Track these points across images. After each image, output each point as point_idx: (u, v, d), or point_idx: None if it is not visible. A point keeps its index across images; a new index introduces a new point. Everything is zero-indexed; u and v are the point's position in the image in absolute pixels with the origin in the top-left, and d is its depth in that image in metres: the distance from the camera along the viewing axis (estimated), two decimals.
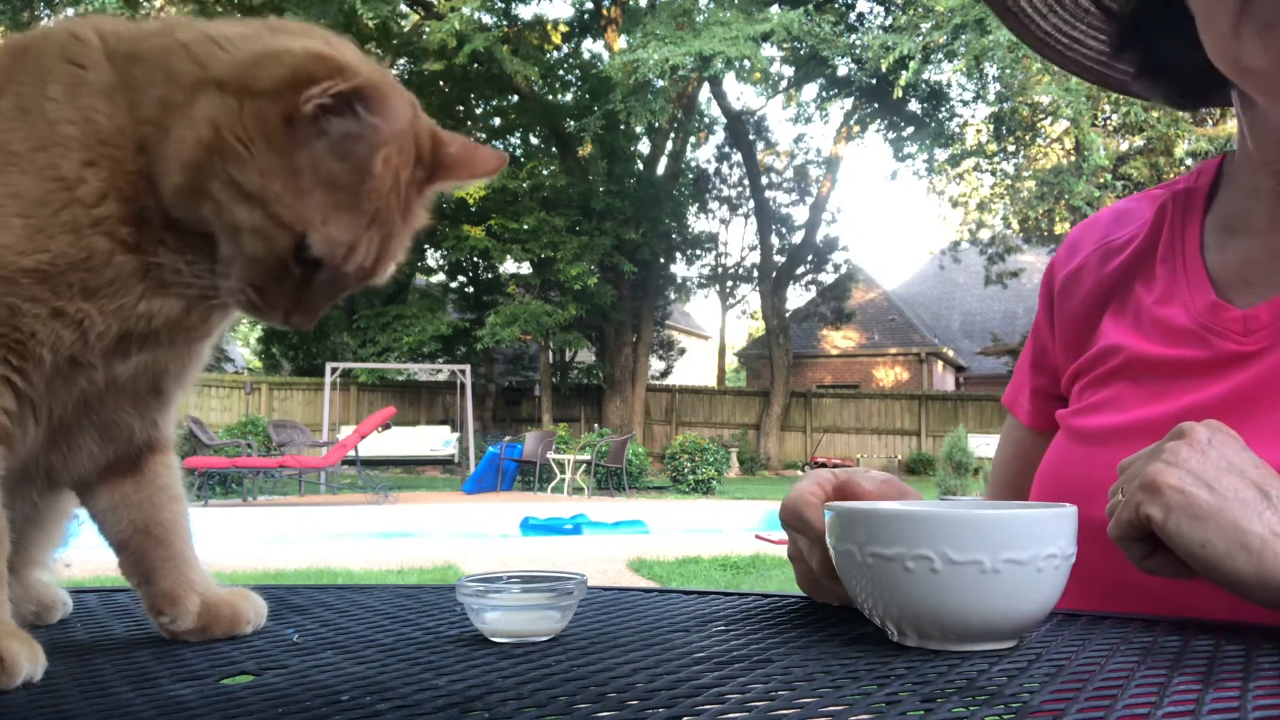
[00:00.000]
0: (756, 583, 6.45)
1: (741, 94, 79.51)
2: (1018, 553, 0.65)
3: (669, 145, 23.86)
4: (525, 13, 29.00)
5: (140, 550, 0.75)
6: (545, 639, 0.72)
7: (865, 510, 0.70)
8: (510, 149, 24.34)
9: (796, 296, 29.11)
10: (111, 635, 0.79)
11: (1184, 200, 1.01)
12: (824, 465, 24.30)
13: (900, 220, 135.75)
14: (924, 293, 35.70)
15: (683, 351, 32.45)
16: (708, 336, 37.83)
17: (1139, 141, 21.43)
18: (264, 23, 0.69)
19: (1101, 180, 19.06)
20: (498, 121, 24.30)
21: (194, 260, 0.67)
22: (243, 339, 32.13)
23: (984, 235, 24.95)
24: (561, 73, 23.33)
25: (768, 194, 26.41)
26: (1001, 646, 0.68)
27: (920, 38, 17.99)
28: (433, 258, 24.59)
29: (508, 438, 18.36)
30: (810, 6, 18.69)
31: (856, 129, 24.91)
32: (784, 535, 0.93)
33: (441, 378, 23.45)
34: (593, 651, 0.68)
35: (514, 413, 25.16)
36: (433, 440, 20.56)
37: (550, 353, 24.09)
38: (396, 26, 20.76)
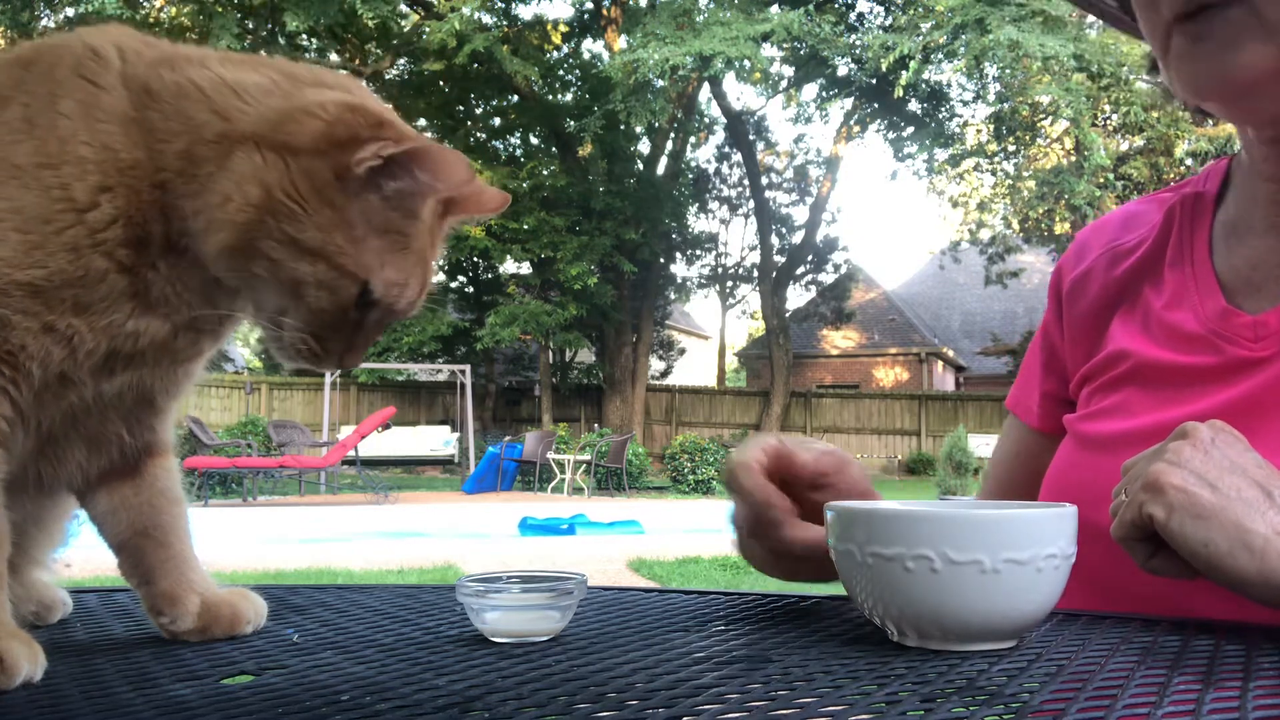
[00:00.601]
0: (756, 583, 6.45)
1: (741, 94, 79.59)
2: (1018, 553, 0.65)
3: (669, 145, 23.85)
4: (525, 13, 29.02)
5: (139, 551, 0.75)
6: (545, 639, 0.72)
7: (865, 510, 0.70)
8: (510, 149, 24.36)
9: (796, 296, 29.13)
10: (111, 635, 0.79)
11: (1192, 204, 1.01)
12: None
13: (900, 220, 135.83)
14: (924, 293, 35.69)
15: (683, 351, 32.44)
16: (708, 336, 37.82)
17: (1139, 141, 21.44)
18: (272, 66, 0.69)
19: (1102, 180, 19.06)
20: (498, 121, 24.30)
21: (183, 288, 0.68)
22: (242, 339, 32.12)
23: (984, 235, 24.96)
24: (561, 73, 23.32)
25: (768, 194, 26.40)
26: (1001, 646, 0.68)
27: (920, 38, 17.99)
28: None
29: (508, 438, 18.36)
30: (810, 6, 18.68)
31: (856, 129, 24.89)
32: None
33: (441, 378, 23.45)
34: (593, 651, 0.68)
35: (514, 413, 25.16)
36: (433, 440, 20.56)
37: (550, 353, 24.08)
38: (396, 26, 20.76)
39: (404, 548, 7.98)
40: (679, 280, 28.95)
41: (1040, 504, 0.77)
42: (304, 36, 20.07)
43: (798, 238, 26.56)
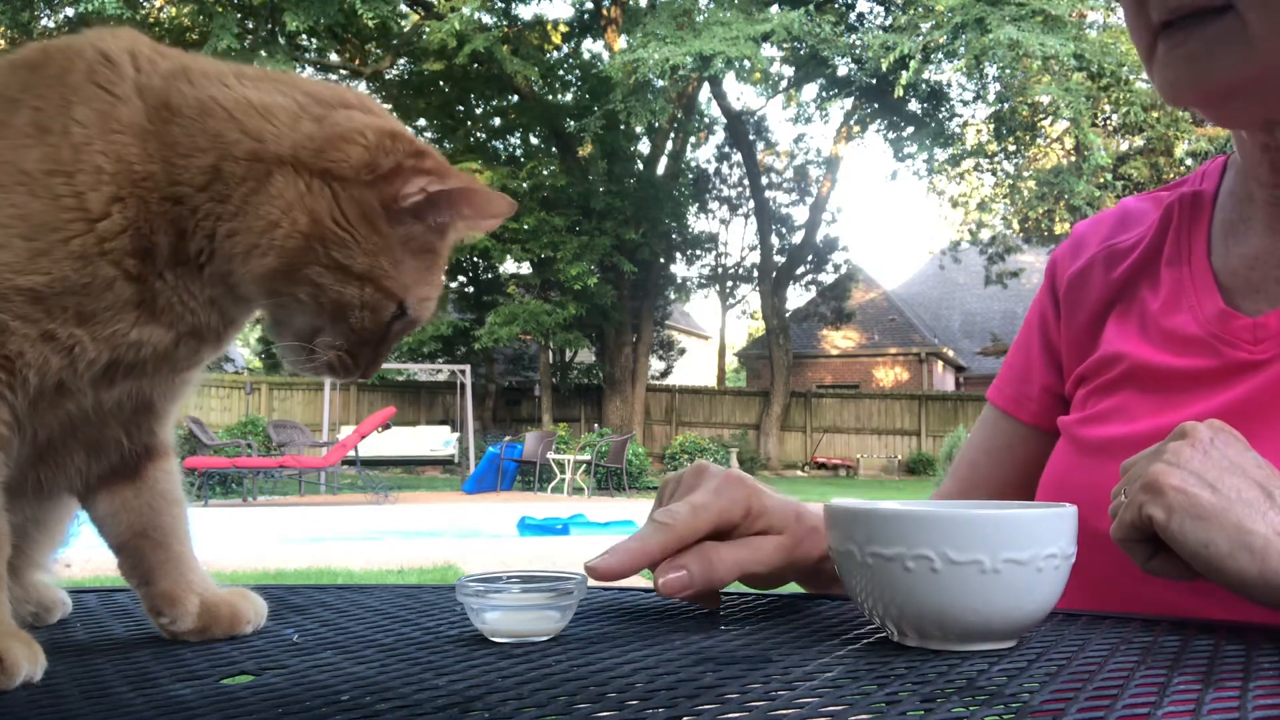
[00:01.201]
0: None
1: (741, 94, 79.60)
2: (1018, 553, 0.65)
3: (669, 145, 23.85)
4: (525, 13, 29.04)
5: (139, 552, 0.75)
6: (545, 639, 0.72)
7: (865, 510, 0.70)
8: (510, 149, 24.37)
9: (796, 296, 29.15)
10: (111, 635, 0.79)
11: (1190, 203, 1.01)
12: (824, 465, 24.34)
13: (900, 220, 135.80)
14: (924, 293, 35.69)
15: (683, 351, 32.44)
16: (708, 336, 37.83)
17: (1139, 141, 21.45)
18: (290, 84, 0.70)
19: (1101, 180, 19.06)
20: (498, 121, 24.30)
21: (189, 298, 0.68)
22: (242, 339, 32.12)
23: (984, 235, 24.96)
24: (561, 73, 23.33)
25: (768, 194, 26.41)
26: (1001, 646, 0.68)
27: (920, 37, 17.99)
28: None
29: (508, 438, 18.36)
30: (810, 6, 18.68)
31: (856, 129, 24.90)
32: None
33: (441, 378, 23.45)
34: (593, 651, 0.68)
35: (514, 413, 25.17)
36: (433, 440, 20.57)
37: (550, 353, 24.09)
38: (396, 26, 20.76)
39: (404, 548, 7.98)
40: (679, 280, 28.97)
41: (1040, 504, 0.76)
42: (304, 36, 20.08)
43: (798, 238, 26.58)
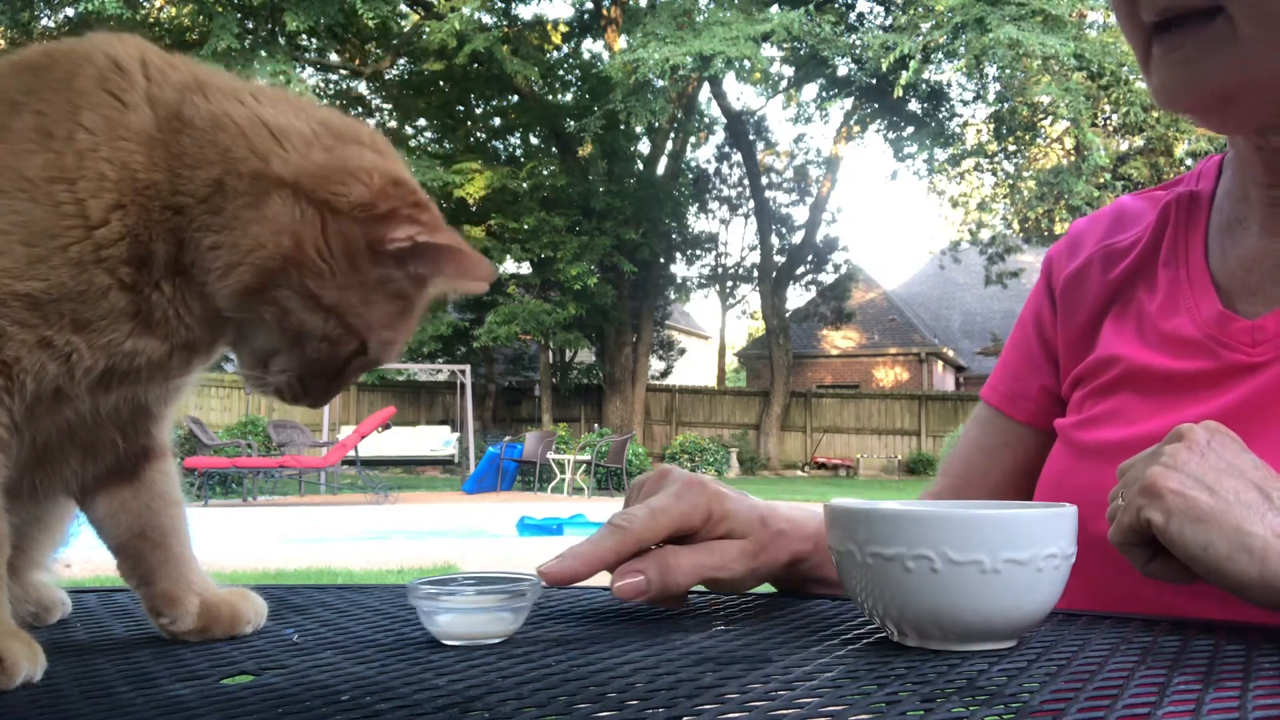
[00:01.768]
0: None
1: (741, 94, 79.61)
2: (1018, 553, 0.65)
3: (669, 145, 23.85)
4: (525, 13, 29.05)
5: (138, 553, 0.75)
6: (498, 640, 0.72)
7: (865, 510, 0.70)
8: (510, 149, 24.37)
9: (796, 296, 29.16)
10: (111, 635, 0.79)
11: (1188, 203, 1.00)
12: (824, 465, 24.35)
13: (900, 220, 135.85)
14: (924, 293, 35.69)
15: (683, 351, 32.44)
16: (708, 336, 37.83)
17: (1139, 141, 21.44)
18: (306, 111, 0.69)
19: (1101, 180, 19.07)
20: (498, 121, 24.30)
21: (185, 311, 0.68)
22: None
23: (984, 235, 24.96)
24: (561, 73, 23.33)
25: (768, 194, 26.41)
26: (1001, 646, 0.68)
27: (920, 37, 17.99)
28: None
29: (508, 438, 18.37)
30: (810, 6, 18.69)
31: (856, 129, 24.90)
32: None
33: (441, 378, 23.45)
34: (593, 651, 0.68)
35: (514, 413, 25.17)
36: (433, 440, 20.56)
37: (550, 353, 24.09)
38: (396, 26, 20.77)
39: (404, 548, 7.98)
40: (679, 280, 28.97)
41: (1040, 504, 0.76)
42: (304, 36, 20.07)
43: (798, 238, 26.58)
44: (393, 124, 23.94)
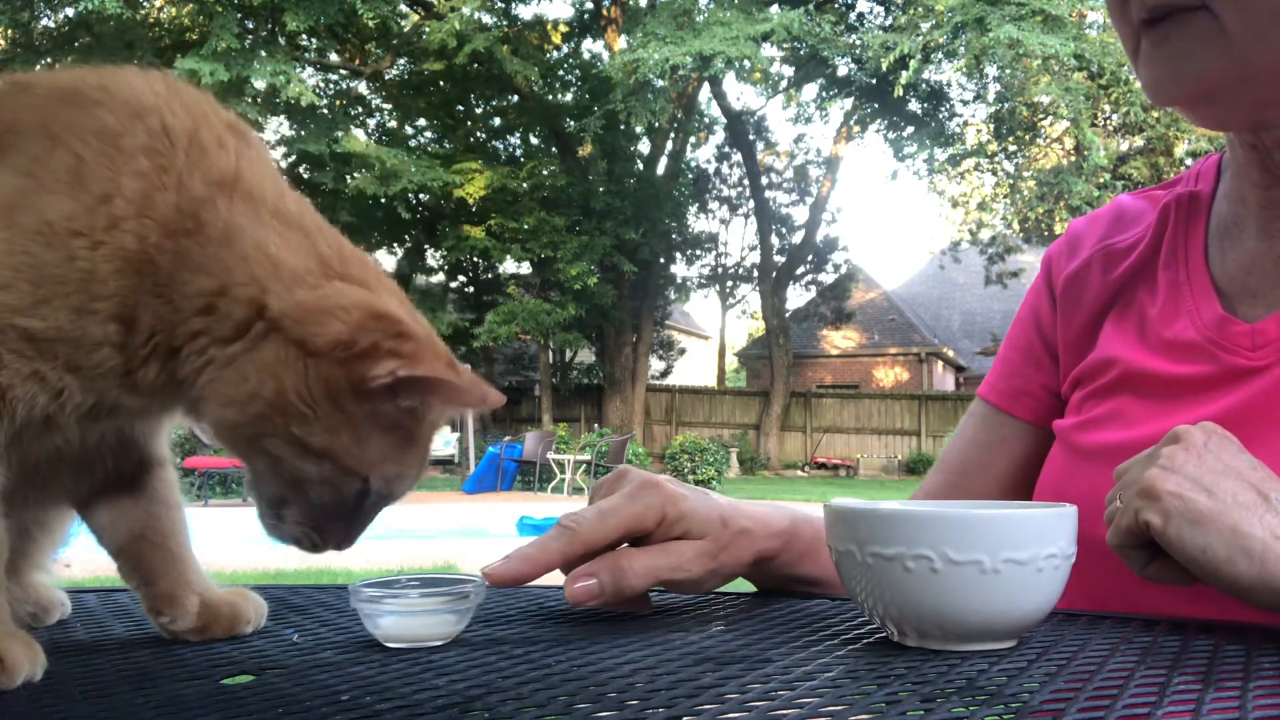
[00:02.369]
0: None
1: (741, 94, 79.61)
2: (1018, 553, 0.65)
3: (669, 145, 23.85)
4: (525, 13, 29.04)
5: (138, 555, 0.75)
6: (441, 643, 0.71)
7: (865, 510, 0.70)
8: (510, 149, 24.36)
9: (796, 296, 29.14)
10: (111, 635, 0.79)
11: (1188, 204, 1.00)
12: (824, 465, 24.34)
13: (900, 220, 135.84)
14: (924, 293, 35.69)
15: (683, 351, 32.44)
16: (708, 336, 37.82)
17: (1139, 141, 21.45)
18: (309, 243, 0.66)
19: (1101, 180, 19.07)
20: (498, 121, 24.30)
21: (170, 400, 0.68)
22: None
23: (984, 235, 24.96)
24: (561, 73, 23.33)
25: (768, 194, 26.41)
26: (1001, 646, 0.68)
27: (920, 37, 17.99)
28: (433, 258, 24.59)
29: (508, 438, 18.36)
30: (810, 6, 18.68)
31: (856, 129, 24.90)
32: None
33: None
34: (593, 651, 0.68)
35: (514, 413, 25.15)
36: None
37: (550, 353, 24.09)
38: (396, 26, 20.76)
39: (404, 548, 7.98)
40: (679, 280, 28.96)
41: (1040, 504, 0.76)
42: (304, 36, 20.07)
43: (798, 238, 26.57)
44: (393, 124, 23.96)
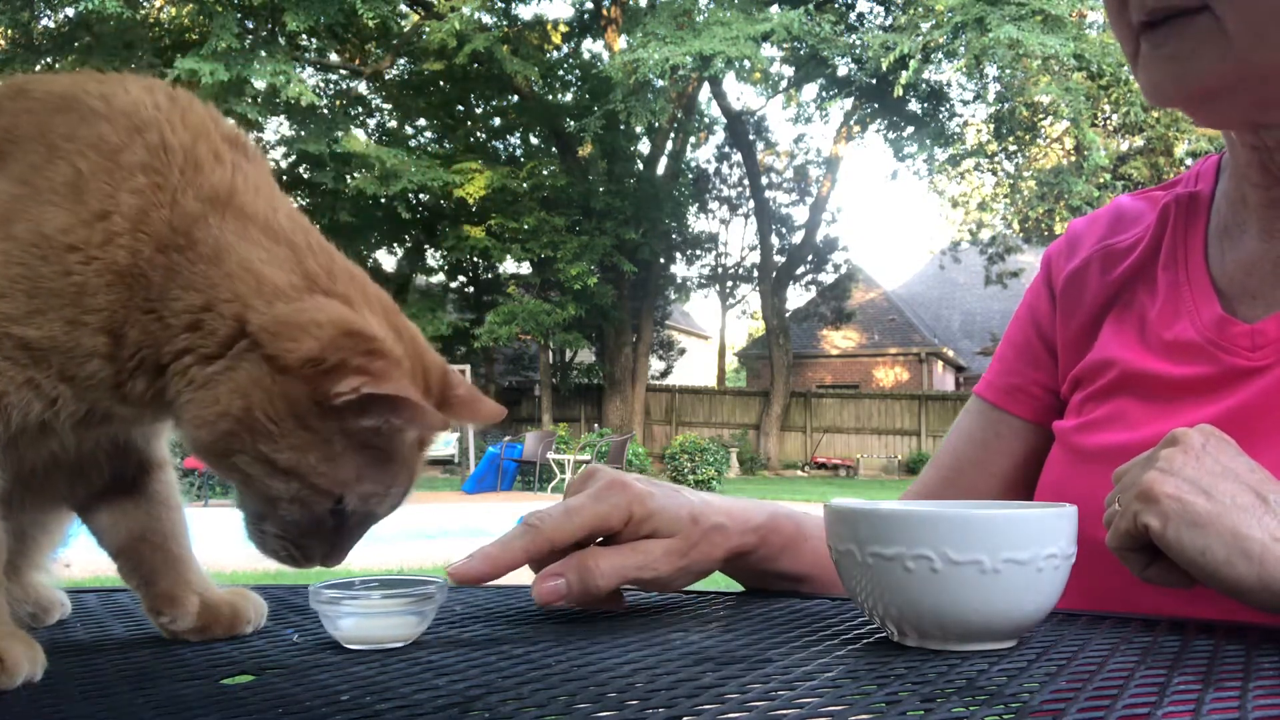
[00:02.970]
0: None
1: (741, 94, 79.59)
2: (1018, 553, 0.65)
3: (669, 145, 23.85)
4: (525, 13, 29.06)
5: (138, 555, 0.75)
6: (402, 645, 0.71)
7: (865, 510, 0.70)
8: (510, 149, 24.37)
9: (796, 296, 29.14)
10: (111, 635, 0.79)
11: (1187, 204, 1.00)
12: (824, 465, 24.35)
13: (900, 220, 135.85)
14: (924, 293, 35.69)
15: (683, 351, 32.44)
16: (708, 336, 37.82)
17: (1139, 141, 21.45)
18: (299, 259, 0.66)
19: (1101, 180, 19.07)
20: (498, 121, 24.30)
21: (159, 413, 0.67)
22: None
23: (984, 235, 24.96)
24: (561, 73, 23.33)
25: (768, 194, 26.40)
26: (1001, 646, 0.68)
27: (920, 37, 18.00)
28: (433, 257, 24.60)
29: (507, 438, 18.35)
30: (810, 6, 18.69)
31: (856, 129, 24.89)
32: None
33: None
34: (593, 651, 0.68)
35: (514, 413, 25.14)
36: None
37: (550, 353, 24.08)
38: (396, 26, 20.76)
39: (404, 547, 7.98)
40: (679, 280, 28.97)
41: (1040, 504, 0.76)
42: (304, 36, 20.08)
43: (798, 238, 26.57)
44: (393, 124, 23.96)
